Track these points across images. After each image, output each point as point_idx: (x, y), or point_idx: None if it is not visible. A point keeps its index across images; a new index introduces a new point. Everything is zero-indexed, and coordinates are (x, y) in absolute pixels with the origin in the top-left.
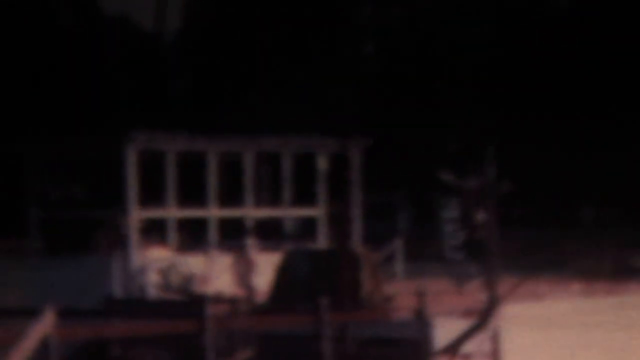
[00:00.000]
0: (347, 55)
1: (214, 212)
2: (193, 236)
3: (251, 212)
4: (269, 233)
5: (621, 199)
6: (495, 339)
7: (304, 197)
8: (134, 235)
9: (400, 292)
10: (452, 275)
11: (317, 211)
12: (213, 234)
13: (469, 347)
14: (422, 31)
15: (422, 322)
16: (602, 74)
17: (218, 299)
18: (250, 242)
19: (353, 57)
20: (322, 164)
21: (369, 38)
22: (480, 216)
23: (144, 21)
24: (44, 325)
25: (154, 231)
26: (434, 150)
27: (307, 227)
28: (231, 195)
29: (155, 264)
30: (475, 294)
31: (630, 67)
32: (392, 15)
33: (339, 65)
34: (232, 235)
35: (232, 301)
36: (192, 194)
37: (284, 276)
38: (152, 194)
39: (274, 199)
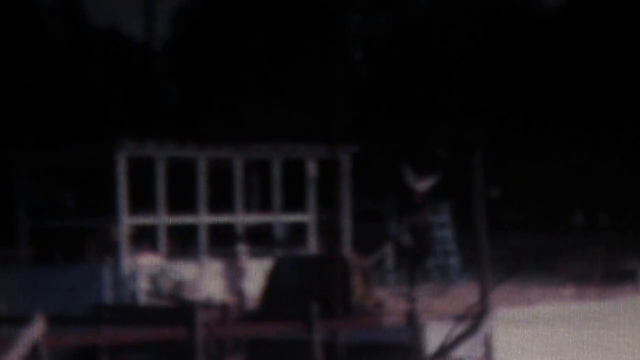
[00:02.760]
0: (336, 62)
1: (204, 219)
2: (183, 243)
3: (241, 219)
4: (260, 239)
5: (612, 205)
6: (487, 344)
7: (294, 203)
8: (124, 243)
9: (391, 298)
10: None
11: (307, 217)
12: (203, 240)
13: (461, 351)
14: (411, 39)
15: (413, 327)
16: (592, 81)
17: (209, 305)
18: (241, 249)
19: (342, 64)
20: (311, 170)
21: (359, 45)
22: (422, 219)
23: (133, 31)
24: (35, 333)
25: (145, 238)
26: (423, 156)
27: (298, 233)
28: (221, 202)
29: (145, 271)
30: (465, 298)
31: (620, 74)
32: (381, 23)
33: (328, 73)
34: (223, 242)
35: (222, 308)
36: (182, 201)
37: (275, 283)
38: (142, 202)
39: (264, 206)
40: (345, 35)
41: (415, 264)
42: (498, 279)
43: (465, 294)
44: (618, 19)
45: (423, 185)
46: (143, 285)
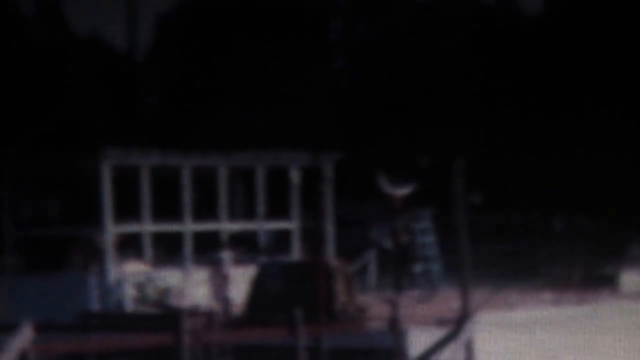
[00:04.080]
0: (318, 69)
1: (189, 227)
2: (169, 250)
3: (226, 226)
4: (244, 246)
5: (591, 209)
6: (468, 348)
7: (278, 210)
8: (109, 251)
9: (373, 303)
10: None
11: (290, 224)
12: (188, 248)
13: (443, 356)
14: (392, 46)
15: (395, 332)
16: (569, 89)
17: (194, 312)
18: (226, 256)
19: (324, 71)
20: (295, 177)
21: (340, 52)
22: (403, 223)
23: (115, 39)
24: (22, 340)
25: (130, 246)
26: (405, 162)
27: (281, 239)
28: (206, 209)
29: (131, 278)
30: (447, 303)
31: (596, 82)
32: (362, 30)
33: (310, 80)
34: (208, 248)
35: (208, 314)
36: (166, 208)
37: (259, 289)
38: (127, 209)
39: (248, 213)
40: (327, 42)
41: (400, 269)
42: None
43: (447, 299)
44: (598, 24)
45: (399, 191)
46: (129, 292)
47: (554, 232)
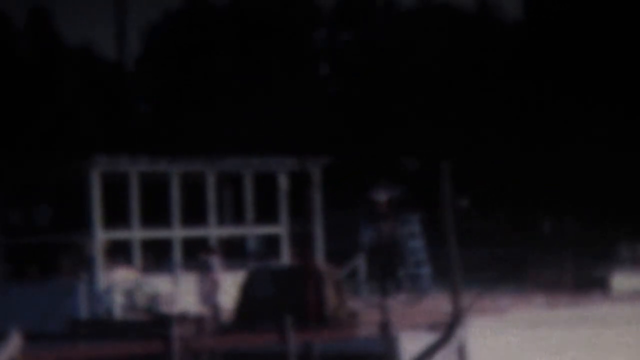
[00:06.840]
0: (304, 75)
1: (177, 233)
2: (158, 257)
3: (214, 232)
4: (233, 252)
5: (579, 211)
6: (460, 352)
7: (266, 215)
8: (98, 257)
9: (364, 307)
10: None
11: (279, 229)
12: (177, 254)
13: None
14: (377, 51)
15: (387, 337)
16: (554, 93)
17: (183, 318)
18: (214, 261)
19: (310, 77)
20: (283, 183)
21: (325, 59)
22: (388, 226)
23: (105, 48)
24: (11, 349)
25: (119, 253)
26: (392, 166)
27: (270, 245)
28: (194, 215)
29: (120, 285)
30: (437, 308)
31: (580, 87)
32: (347, 36)
33: (296, 86)
34: (196, 254)
35: (197, 320)
36: (155, 215)
37: (248, 294)
38: (116, 216)
39: (237, 218)
40: (312, 49)
41: (386, 274)
42: (471, 289)
43: (437, 304)
44: (577, 31)
45: (382, 195)
46: (118, 299)
47: (543, 235)
